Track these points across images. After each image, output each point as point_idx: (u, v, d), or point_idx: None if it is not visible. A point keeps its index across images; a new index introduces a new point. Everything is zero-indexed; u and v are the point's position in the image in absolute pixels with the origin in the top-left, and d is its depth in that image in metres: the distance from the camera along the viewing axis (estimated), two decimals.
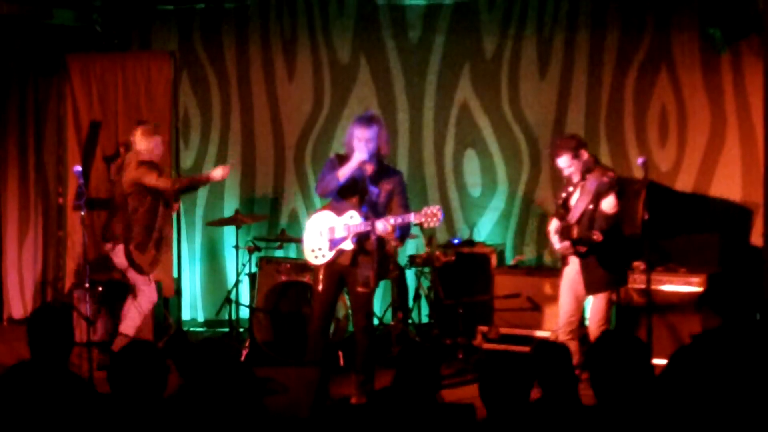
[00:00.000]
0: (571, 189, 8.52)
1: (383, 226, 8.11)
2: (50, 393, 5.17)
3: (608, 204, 8.25)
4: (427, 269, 10.21)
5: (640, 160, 8.35)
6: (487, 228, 11.24)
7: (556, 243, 8.46)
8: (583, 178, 8.41)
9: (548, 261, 11.04)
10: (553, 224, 8.58)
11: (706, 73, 10.58)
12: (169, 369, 5.05)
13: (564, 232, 8.38)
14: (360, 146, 8.16)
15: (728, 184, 10.50)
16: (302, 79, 11.58)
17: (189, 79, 11.70)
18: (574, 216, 8.37)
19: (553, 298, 9.77)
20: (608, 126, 10.79)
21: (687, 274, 9.40)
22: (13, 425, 5.04)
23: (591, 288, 8.40)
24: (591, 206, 8.26)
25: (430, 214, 8.06)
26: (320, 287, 8.39)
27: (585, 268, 8.37)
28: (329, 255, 8.32)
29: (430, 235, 10.24)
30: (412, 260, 10.28)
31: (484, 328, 10.00)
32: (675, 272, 9.46)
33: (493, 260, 10.32)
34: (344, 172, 8.22)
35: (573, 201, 8.50)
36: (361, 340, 8.49)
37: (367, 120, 8.26)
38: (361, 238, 8.23)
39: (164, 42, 11.65)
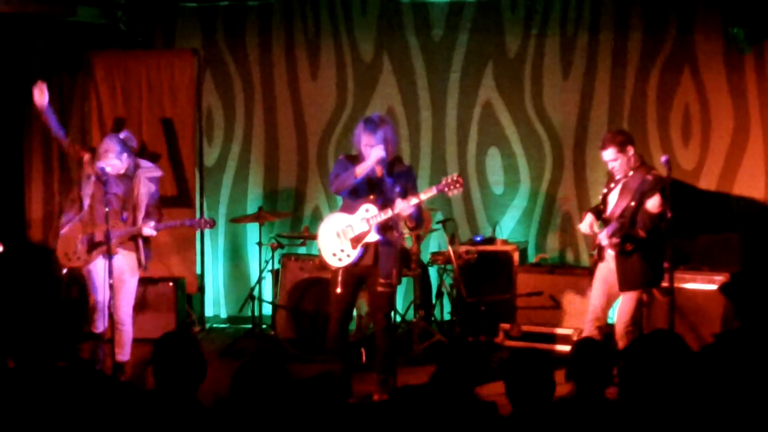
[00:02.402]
0: (612, 185, 8.50)
1: (404, 204, 8.04)
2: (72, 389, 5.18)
3: (653, 203, 8.20)
4: (449, 267, 10.21)
5: (663, 159, 8.32)
6: (509, 226, 11.24)
7: (604, 238, 8.37)
8: (626, 175, 8.39)
9: (570, 259, 11.07)
10: (588, 219, 8.53)
11: (730, 73, 10.58)
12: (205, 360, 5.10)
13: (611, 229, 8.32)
14: (367, 150, 8.15)
15: (751, 184, 10.51)
16: (325, 76, 11.59)
17: (212, 76, 11.71)
18: (614, 213, 8.34)
19: (576, 296, 9.79)
20: (631, 125, 10.75)
21: (710, 272, 9.39)
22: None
23: (625, 285, 8.33)
24: (633, 203, 8.22)
25: (452, 182, 8.05)
26: (338, 290, 8.32)
27: (621, 265, 8.31)
28: (354, 254, 8.25)
29: (452, 233, 10.25)
30: (434, 258, 10.29)
31: (506, 326, 10.00)
32: (698, 271, 9.45)
33: (516, 258, 10.29)
34: (362, 169, 8.15)
35: (611, 197, 8.47)
36: (382, 340, 8.44)
37: (373, 126, 8.19)
38: (383, 228, 8.19)
39: (188, 39, 11.65)
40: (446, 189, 8.09)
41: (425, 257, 10.49)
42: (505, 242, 10.59)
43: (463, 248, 10.25)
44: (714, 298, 9.15)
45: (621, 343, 8.34)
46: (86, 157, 8.82)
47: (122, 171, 8.71)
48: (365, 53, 11.51)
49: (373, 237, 8.19)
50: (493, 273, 10.29)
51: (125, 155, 8.74)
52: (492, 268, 10.31)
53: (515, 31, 11.18)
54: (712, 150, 10.67)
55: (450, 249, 9.96)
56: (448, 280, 10.34)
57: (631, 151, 8.35)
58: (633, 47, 10.88)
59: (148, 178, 8.89)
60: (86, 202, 8.73)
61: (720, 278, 9.24)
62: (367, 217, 8.19)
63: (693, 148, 10.74)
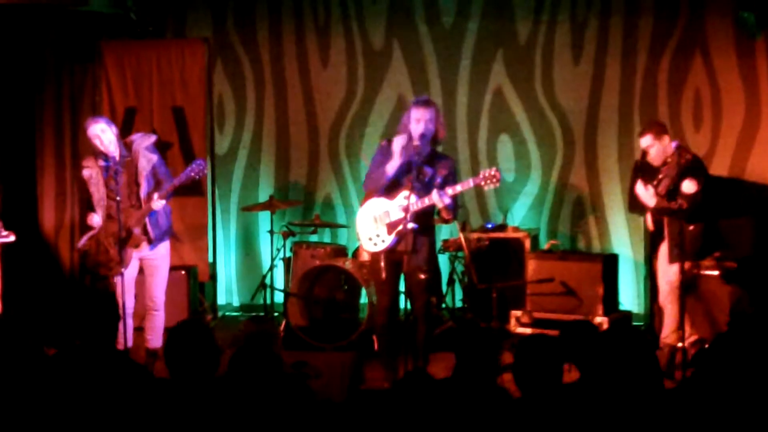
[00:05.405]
0: (661, 175, 8.61)
1: (438, 195, 7.88)
2: (102, 374, 5.20)
3: (687, 186, 8.32)
4: (460, 254, 10.22)
5: (673, 144, 8.34)
6: (520, 213, 11.24)
7: (649, 198, 8.58)
8: (663, 162, 8.56)
9: (582, 245, 11.07)
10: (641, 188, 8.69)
11: (740, 58, 10.56)
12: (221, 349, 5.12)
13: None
14: (419, 127, 7.95)
15: (763, 168, 10.49)
16: (336, 65, 11.61)
17: (223, 65, 11.74)
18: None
19: (586, 283, 9.80)
20: (642, 111, 10.77)
21: (721, 257, 9.39)
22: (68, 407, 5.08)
23: (672, 257, 8.50)
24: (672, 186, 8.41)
25: (489, 176, 7.90)
26: (383, 276, 8.15)
27: (672, 238, 8.48)
28: (389, 240, 8.11)
29: (463, 220, 10.26)
30: (446, 245, 10.29)
31: (517, 313, 10.01)
32: (710, 256, 9.44)
33: (527, 245, 10.31)
34: (393, 166, 8.06)
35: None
36: (422, 328, 8.23)
37: (425, 101, 8.09)
38: (419, 217, 8.00)
39: (199, 29, 11.68)
40: (483, 182, 7.94)
41: (436, 245, 10.49)
42: (516, 229, 10.59)
43: (474, 235, 10.28)
44: (725, 284, 9.15)
45: (671, 307, 8.61)
46: (87, 160, 8.76)
47: (116, 153, 8.57)
48: (375, 41, 11.52)
49: (409, 225, 8.03)
50: (505, 260, 10.31)
51: (113, 127, 8.64)
52: (503, 254, 10.32)
53: (525, 17, 11.17)
54: (724, 134, 10.65)
55: (461, 236, 9.98)
56: (459, 267, 10.36)
57: (666, 140, 8.51)
58: (643, 32, 10.86)
59: (146, 148, 8.68)
60: (98, 194, 8.65)
61: (731, 263, 9.24)
62: (404, 205, 7.99)
63: (704, 132, 10.72)
